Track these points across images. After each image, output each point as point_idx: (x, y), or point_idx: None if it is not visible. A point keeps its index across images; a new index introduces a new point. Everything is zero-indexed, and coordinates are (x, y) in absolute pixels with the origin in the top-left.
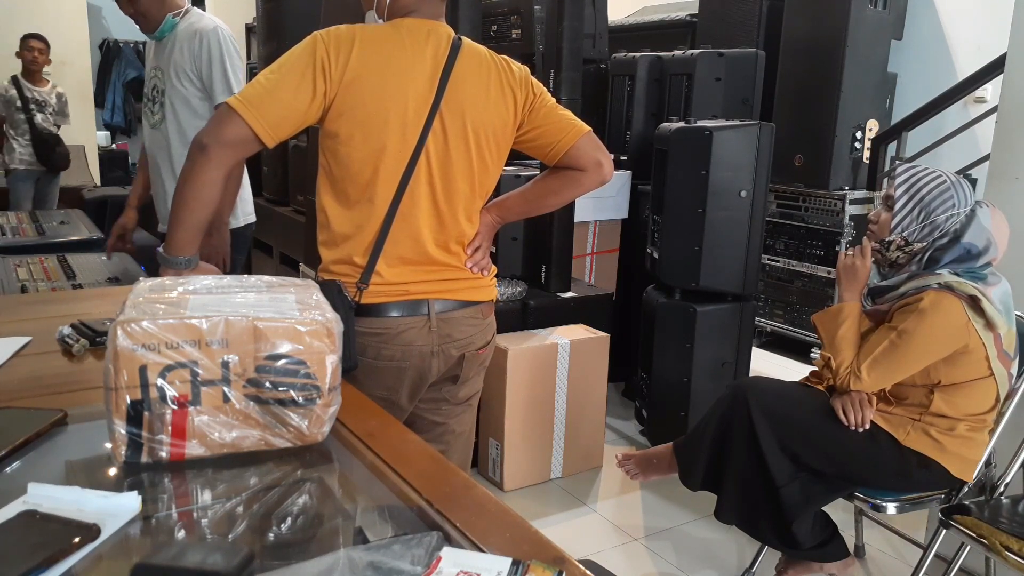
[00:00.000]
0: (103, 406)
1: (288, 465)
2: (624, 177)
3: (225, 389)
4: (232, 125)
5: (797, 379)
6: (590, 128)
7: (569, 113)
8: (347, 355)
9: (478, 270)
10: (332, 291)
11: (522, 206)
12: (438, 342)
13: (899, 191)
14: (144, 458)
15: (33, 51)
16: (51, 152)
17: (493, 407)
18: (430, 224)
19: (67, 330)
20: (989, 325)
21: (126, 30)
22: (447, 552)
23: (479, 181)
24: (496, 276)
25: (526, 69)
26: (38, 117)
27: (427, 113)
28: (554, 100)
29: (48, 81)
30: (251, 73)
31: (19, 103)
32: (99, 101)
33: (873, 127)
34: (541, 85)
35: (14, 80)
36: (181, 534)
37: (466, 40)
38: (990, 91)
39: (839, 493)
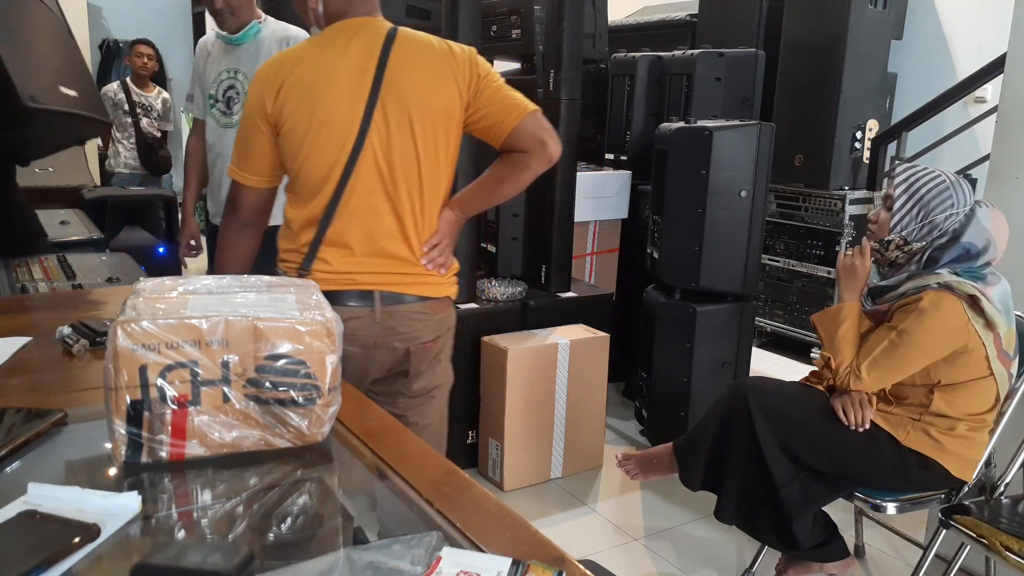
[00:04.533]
0: (103, 406)
1: (288, 465)
2: (624, 177)
3: (225, 389)
4: (243, 192)
5: (797, 379)
6: (537, 108)
7: (516, 94)
8: None
9: (434, 267)
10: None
11: (479, 198)
12: (381, 334)
13: (898, 190)
14: (144, 458)
15: (142, 56)
16: (154, 156)
17: (493, 407)
18: (381, 217)
19: (67, 330)
20: (989, 325)
21: (126, 30)
22: (447, 552)
23: (430, 170)
24: (496, 276)
25: (471, 50)
26: (143, 122)
27: (364, 108)
28: (502, 81)
29: (154, 87)
30: None
31: (127, 107)
32: None
33: (873, 127)
34: (488, 65)
35: (123, 84)
36: (181, 534)
37: (403, 30)
38: (990, 91)
39: (839, 493)
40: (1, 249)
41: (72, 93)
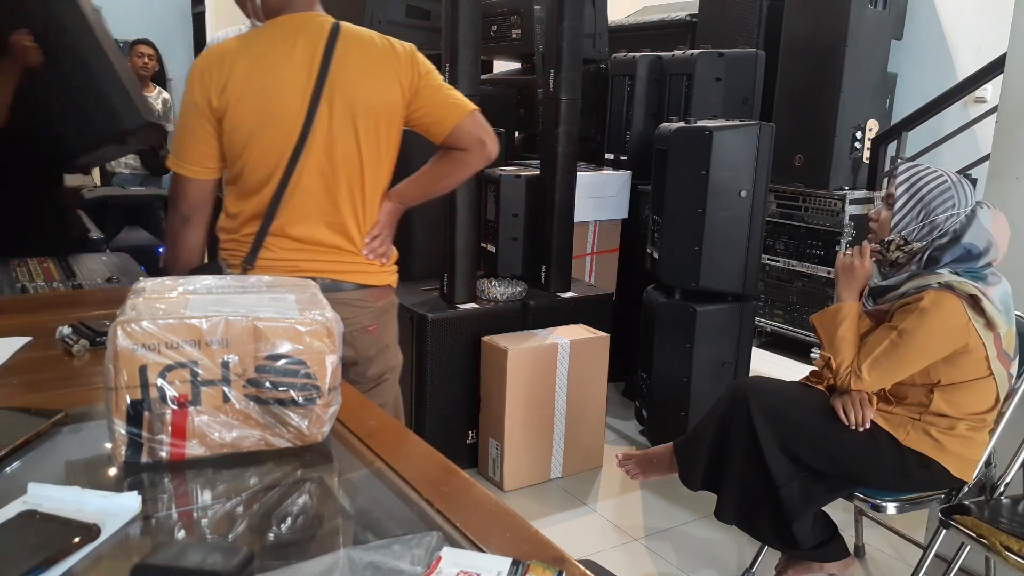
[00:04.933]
0: (103, 406)
1: (288, 465)
2: (624, 177)
3: (225, 389)
4: (182, 184)
5: (797, 379)
6: (476, 108)
7: (456, 93)
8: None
9: (375, 256)
10: (213, 269)
11: (418, 191)
12: None
13: (900, 189)
14: (144, 458)
15: (143, 57)
16: (154, 156)
17: (493, 407)
18: (324, 210)
19: (67, 330)
20: (989, 325)
21: (126, 30)
22: (447, 552)
23: (371, 164)
24: (496, 276)
25: (411, 47)
26: None
27: (308, 103)
28: (442, 79)
29: (155, 87)
30: None
31: None
32: None
33: (873, 127)
34: (428, 64)
35: None
36: (181, 534)
37: (346, 25)
38: (990, 91)
39: (839, 493)
40: (58, 249)
41: (157, 107)
